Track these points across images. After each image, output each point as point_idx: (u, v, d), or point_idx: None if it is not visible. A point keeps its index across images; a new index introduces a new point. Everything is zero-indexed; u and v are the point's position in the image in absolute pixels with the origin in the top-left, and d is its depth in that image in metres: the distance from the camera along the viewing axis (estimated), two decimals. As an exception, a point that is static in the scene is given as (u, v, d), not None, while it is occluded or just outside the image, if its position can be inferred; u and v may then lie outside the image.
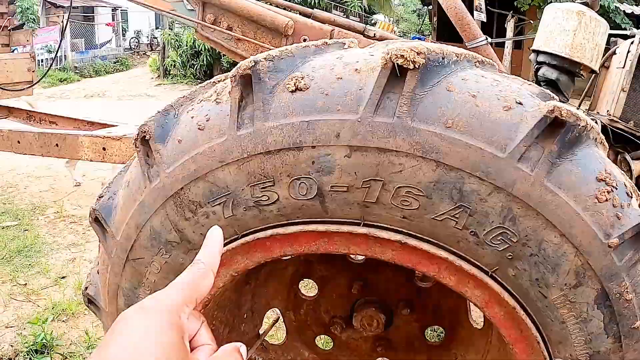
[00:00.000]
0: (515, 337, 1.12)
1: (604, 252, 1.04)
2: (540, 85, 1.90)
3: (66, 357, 2.47)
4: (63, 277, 3.48)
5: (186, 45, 17.58)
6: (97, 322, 2.69)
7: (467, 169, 0.97)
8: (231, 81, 1.07)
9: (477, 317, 1.79)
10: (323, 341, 2.06)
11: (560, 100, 1.95)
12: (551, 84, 1.86)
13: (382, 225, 1.03)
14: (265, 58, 1.06)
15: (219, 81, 1.18)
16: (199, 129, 1.10)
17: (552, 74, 1.82)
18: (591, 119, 1.89)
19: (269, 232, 1.08)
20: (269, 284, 1.74)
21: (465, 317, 1.76)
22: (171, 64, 18.14)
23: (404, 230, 1.03)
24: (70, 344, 2.60)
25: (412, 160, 0.97)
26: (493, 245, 1.02)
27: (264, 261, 1.13)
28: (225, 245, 1.13)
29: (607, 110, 1.78)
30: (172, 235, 1.15)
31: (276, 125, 1.02)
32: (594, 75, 1.99)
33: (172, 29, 18.60)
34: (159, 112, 1.16)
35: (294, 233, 1.07)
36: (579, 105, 2.12)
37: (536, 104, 1.03)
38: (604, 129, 1.79)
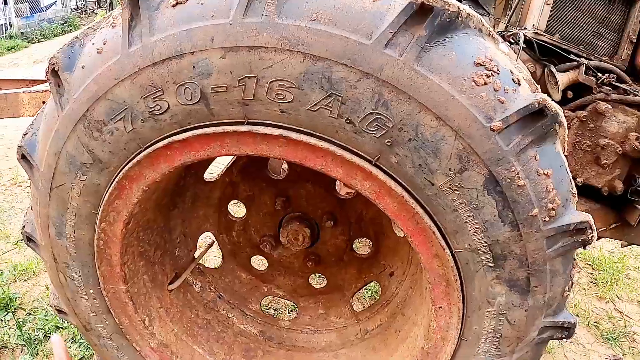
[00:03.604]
0: (412, 229, 1.14)
1: (487, 135, 1.06)
2: (460, 0, 1.90)
3: (30, 313, 2.62)
4: (22, 240, 3.49)
5: (134, -1, 16.74)
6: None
7: (333, 58, 1.01)
8: (121, 4, 1.14)
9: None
10: (260, 262, 2.07)
11: (479, 14, 1.94)
12: (472, -1, 1.86)
13: (264, 122, 1.08)
14: (150, -22, 1.12)
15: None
16: (97, 52, 1.17)
17: (471, -12, 1.82)
18: (511, 33, 1.88)
19: (166, 140, 1.14)
20: (197, 208, 1.80)
21: (389, 227, 1.76)
22: (120, 20, 17.12)
23: (284, 124, 1.07)
24: (34, 300, 2.74)
25: (280, 54, 1.02)
26: (370, 131, 1.05)
27: (168, 171, 1.19)
28: (131, 160, 1.19)
29: (533, 25, 1.77)
30: (85, 156, 1.22)
31: (160, 38, 1.08)
32: None
33: (119, -19, 17.82)
34: (66, 44, 1.24)
35: (188, 139, 1.13)
36: (508, 22, 2.11)
37: None
38: (530, 42, 1.78)
